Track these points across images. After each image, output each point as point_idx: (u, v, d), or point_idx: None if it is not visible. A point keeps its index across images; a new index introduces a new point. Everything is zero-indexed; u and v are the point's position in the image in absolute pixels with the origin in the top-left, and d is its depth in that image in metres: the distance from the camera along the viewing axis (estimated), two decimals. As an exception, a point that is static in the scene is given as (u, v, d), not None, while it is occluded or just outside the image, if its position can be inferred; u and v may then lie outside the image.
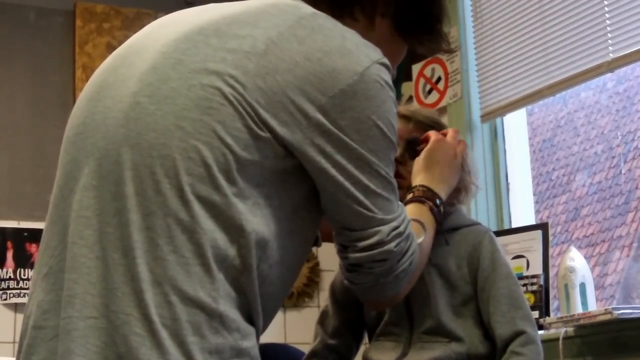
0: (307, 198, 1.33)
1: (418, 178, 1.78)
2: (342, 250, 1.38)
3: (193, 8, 1.43)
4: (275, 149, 1.27)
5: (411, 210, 1.64)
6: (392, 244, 1.34)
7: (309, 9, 1.37)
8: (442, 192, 1.75)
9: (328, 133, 1.28)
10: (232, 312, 1.23)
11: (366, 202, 1.32)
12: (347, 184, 1.30)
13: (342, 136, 1.29)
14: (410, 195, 1.73)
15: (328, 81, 1.28)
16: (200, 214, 1.22)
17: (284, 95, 1.26)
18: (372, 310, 1.94)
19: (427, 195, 1.72)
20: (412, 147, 1.89)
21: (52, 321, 1.25)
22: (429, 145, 1.83)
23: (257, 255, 1.25)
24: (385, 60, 1.35)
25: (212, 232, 1.22)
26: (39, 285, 1.29)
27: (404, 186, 1.80)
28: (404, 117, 1.97)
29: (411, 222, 1.42)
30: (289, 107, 1.26)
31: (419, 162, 1.82)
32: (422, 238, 1.52)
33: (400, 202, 1.40)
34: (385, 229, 1.34)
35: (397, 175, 1.77)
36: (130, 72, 1.32)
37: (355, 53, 1.32)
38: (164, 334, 1.18)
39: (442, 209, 1.72)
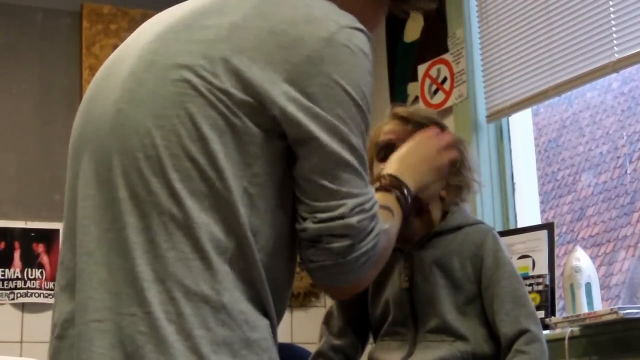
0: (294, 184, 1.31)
1: (388, 166, 1.69)
2: (301, 221, 1.31)
3: (172, 7, 1.44)
4: (253, 134, 1.25)
5: (377, 198, 1.48)
6: (354, 219, 1.27)
7: None
8: (412, 183, 1.63)
9: (297, 102, 1.25)
10: (239, 304, 1.23)
11: (334, 172, 1.27)
12: (316, 156, 1.27)
13: (311, 105, 1.26)
14: (377, 185, 1.60)
15: (292, 50, 1.26)
16: (193, 209, 1.23)
17: (253, 74, 1.25)
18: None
19: (393, 184, 1.60)
20: None
21: (72, 330, 1.28)
22: (414, 137, 1.77)
23: (255, 245, 1.25)
24: (359, 26, 1.32)
25: (207, 225, 1.23)
26: (60, 297, 1.33)
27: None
28: (402, 119, 1.96)
29: (379, 206, 1.34)
30: (260, 85, 1.25)
31: (398, 149, 1.75)
32: (389, 223, 1.43)
33: (370, 184, 1.34)
34: (349, 202, 1.27)
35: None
36: (114, 80, 1.35)
37: (323, 20, 1.29)
38: (169, 330, 1.19)
39: (409, 199, 1.59)
